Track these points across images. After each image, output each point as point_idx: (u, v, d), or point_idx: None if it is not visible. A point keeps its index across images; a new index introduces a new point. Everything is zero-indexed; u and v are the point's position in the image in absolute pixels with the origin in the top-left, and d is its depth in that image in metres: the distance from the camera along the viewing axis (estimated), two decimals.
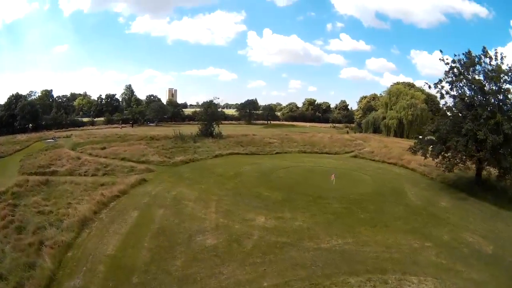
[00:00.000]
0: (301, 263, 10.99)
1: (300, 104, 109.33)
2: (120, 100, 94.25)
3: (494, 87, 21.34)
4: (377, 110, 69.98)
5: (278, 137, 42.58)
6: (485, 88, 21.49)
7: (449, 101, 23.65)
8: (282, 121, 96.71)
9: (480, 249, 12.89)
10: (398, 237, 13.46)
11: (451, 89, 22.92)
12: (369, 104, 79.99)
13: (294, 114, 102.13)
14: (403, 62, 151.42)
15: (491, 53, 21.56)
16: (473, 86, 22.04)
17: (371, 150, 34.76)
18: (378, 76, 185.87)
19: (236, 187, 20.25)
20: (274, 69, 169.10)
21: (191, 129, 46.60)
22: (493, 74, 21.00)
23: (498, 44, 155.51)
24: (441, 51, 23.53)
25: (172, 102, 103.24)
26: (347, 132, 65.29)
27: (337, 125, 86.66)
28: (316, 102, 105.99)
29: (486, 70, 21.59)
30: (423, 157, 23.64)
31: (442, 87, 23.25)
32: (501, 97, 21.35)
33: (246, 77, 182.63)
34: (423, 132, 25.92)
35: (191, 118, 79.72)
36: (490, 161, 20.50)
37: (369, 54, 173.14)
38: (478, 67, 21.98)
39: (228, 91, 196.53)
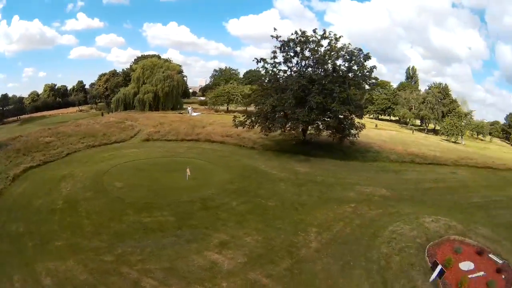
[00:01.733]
0: None
1: (40, 92, 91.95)
2: None
3: (329, 65, 25.87)
4: (127, 86, 63.87)
5: (49, 134, 32.88)
6: (325, 66, 25.65)
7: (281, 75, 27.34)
8: (29, 113, 79.35)
9: None
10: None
11: (285, 62, 26.59)
12: (116, 81, 73.20)
13: (37, 104, 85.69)
14: (134, 35, 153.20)
15: (322, 33, 26.03)
16: (311, 63, 26.19)
17: (157, 131, 32.29)
18: (105, 52, 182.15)
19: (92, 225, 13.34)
20: (12, 58, 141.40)
21: None
22: (330, 52, 25.41)
23: (249, 12, 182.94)
24: (275, 29, 26.24)
25: None
26: (102, 114, 58.26)
27: (82, 107, 77.58)
28: (56, 87, 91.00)
29: (325, 49, 25.77)
30: (245, 129, 27.79)
31: (276, 63, 26.65)
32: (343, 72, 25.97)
33: None
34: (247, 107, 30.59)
35: None
36: (334, 127, 25.83)
37: (100, 31, 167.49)
38: (311, 45, 25.81)
39: None
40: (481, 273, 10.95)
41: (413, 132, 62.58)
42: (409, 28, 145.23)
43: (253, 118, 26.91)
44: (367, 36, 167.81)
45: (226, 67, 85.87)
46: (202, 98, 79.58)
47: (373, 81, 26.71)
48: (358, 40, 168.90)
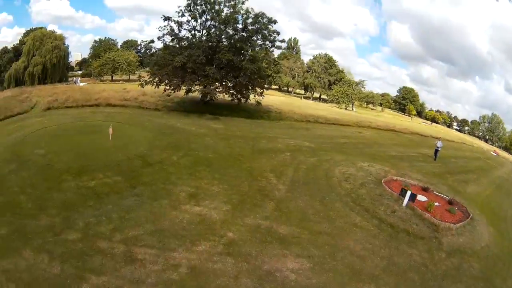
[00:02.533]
0: None
1: None
2: None
3: (239, 24, 25.77)
4: (18, 61, 56.09)
5: None
6: (235, 25, 25.50)
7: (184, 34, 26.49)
8: None
9: None
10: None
11: (194, 20, 25.70)
12: (9, 57, 65.37)
13: None
14: (22, 13, 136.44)
15: None
16: (216, 23, 25.65)
17: (55, 99, 28.03)
18: None
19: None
20: None
21: None
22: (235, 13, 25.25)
23: None
24: None
25: None
26: None
27: None
28: None
29: (231, 10, 25.45)
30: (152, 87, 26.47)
31: (180, 22, 25.63)
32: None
33: None
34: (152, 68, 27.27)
35: None
36: (243, 86, 25.81)
37: None
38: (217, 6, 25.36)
39: None
40: (436, 203, 12.32)
41: (301, 98, 65.26)
42: (287, 1, 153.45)
43: (160, 77, 25.43)
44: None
45: (105, 37, 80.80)
46: (79, 72, 73.91)
47: (279, 43, 27.38)
48: None
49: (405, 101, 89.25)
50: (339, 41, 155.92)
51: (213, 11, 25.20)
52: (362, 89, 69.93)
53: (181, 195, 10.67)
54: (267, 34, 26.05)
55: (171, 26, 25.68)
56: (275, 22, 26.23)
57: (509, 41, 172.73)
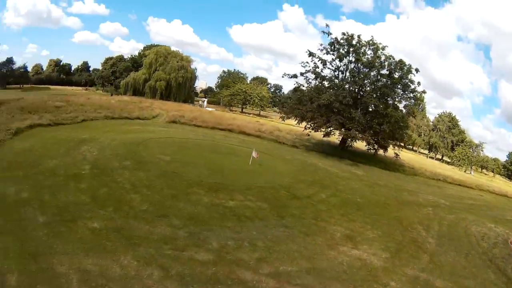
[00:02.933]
0: None
1: (45, 67, 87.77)
2: None
3: (386, 69, 24.84)
4: (137, 71, 61.15)
5: (59, 99, 28.86)
6: (380, 70, 24.63)
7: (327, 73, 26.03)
8: (31, 84, 73.83)
9: None
10: None
11: (339, 60, 25.22)
12: (126, 65, 71.09)
13: (41, 77, 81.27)
14: (138, 28, 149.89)
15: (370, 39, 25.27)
16: (360, 65, 24.97)
17: (182, 115, 29.26)
18: (108, 40, 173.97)
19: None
20: (18, 32, 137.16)
21: None
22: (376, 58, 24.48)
23: (254, 20, 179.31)
24: (327, 25, 26.75)
25: None
26: (112, 95, 55.24)
27: (89, 88, 74.45)
28: (61, 63, 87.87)
29: (372, 55, 24.75)
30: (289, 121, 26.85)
31: (324, 60, 25.15)
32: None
33: None
34: (288, 103, 28.21)
35: None
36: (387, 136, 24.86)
37: (105, 18, 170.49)
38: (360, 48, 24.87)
39: None
40: None
41: (427, 157, 63.36)
42: (410, 55, 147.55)
43: (304, 113, 24.81)
44: None
45: (234, 69, 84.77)
46: (204, 99, 76.56)
47: (418, 94, 25.95)
48: None
49: None
50: (457, 100, 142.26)
51: (357, 52, 24.72)
52: (481, 153, 66.01)
53: (336, 235, 10.07)
54: (408, 83, 24.76)
55: (315, 63, 25.54)
56: (417, 70, 24.79)
57: None
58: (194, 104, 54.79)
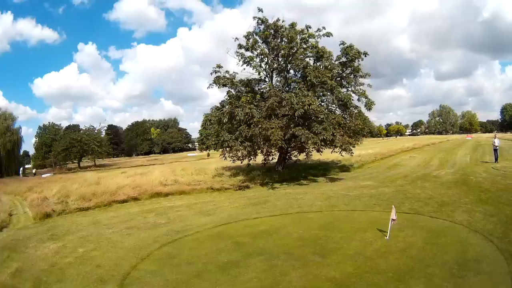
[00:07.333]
0: None
1: None
2: None
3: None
4: None
5: None
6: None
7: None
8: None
9: None
10: None
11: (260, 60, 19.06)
12: None
13: None
14: None
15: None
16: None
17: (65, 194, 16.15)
18: None
19: None
20: None
21: None
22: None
23: (51, 69, 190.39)
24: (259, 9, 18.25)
25: None
26: None
27: None
28: None
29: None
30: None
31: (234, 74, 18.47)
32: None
33: None
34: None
35: None
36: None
37: None
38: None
39: None
40: None
41: None
42: (204, 63, 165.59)
43: (231, 145, 17.69)
44: (162, 78, 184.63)
45: (49, 122, 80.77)
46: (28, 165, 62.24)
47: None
48: (154, 84, 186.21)
49: None
50: None
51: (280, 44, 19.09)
52: None
53: None
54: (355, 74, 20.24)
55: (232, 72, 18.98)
56: (366, 53, 19.26)
57: (429, 30, 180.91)
58: (27, 175, 40.69)
